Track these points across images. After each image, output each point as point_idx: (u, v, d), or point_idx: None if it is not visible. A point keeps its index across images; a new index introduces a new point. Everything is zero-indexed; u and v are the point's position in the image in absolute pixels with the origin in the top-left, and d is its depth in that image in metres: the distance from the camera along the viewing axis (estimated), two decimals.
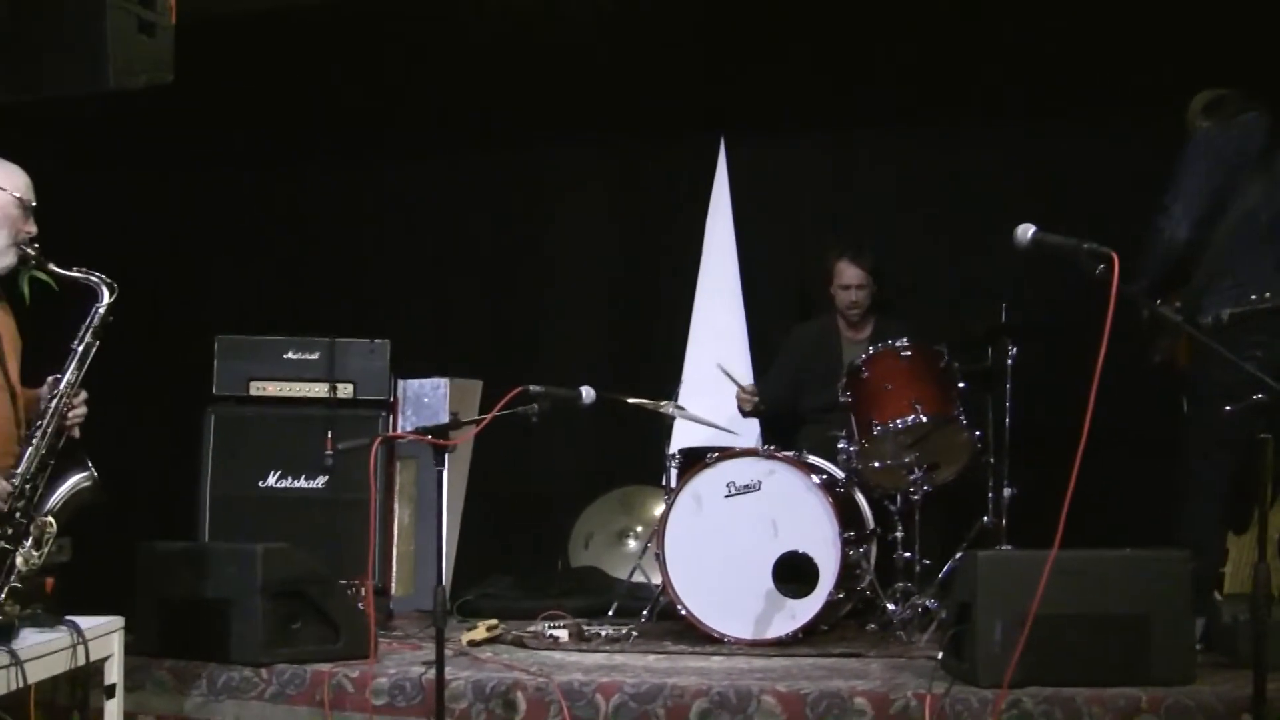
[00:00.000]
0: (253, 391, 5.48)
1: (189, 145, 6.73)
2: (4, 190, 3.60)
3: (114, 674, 3.67)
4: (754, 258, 6.55)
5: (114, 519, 3.84)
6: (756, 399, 5.93)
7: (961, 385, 5.25)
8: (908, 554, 5.17)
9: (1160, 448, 4.94)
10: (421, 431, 4.03)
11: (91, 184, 6.26)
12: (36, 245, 3.65)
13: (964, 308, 6.02)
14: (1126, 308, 3.41)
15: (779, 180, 6.61)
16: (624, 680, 4.11)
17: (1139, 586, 3.92)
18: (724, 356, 6.21)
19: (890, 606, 4.99)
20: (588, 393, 4.26)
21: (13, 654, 3.21)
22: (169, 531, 5.15)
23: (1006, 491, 5.41)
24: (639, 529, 6.42)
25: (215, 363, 5.48)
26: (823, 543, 4.85)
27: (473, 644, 4.83)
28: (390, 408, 5.58)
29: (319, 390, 5.48)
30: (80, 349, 3.63)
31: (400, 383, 5.73)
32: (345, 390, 5.48)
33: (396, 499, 5.67)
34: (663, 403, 5.52)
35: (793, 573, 4.87)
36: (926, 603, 5.06)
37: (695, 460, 5.15)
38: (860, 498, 5.27)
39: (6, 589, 3.40)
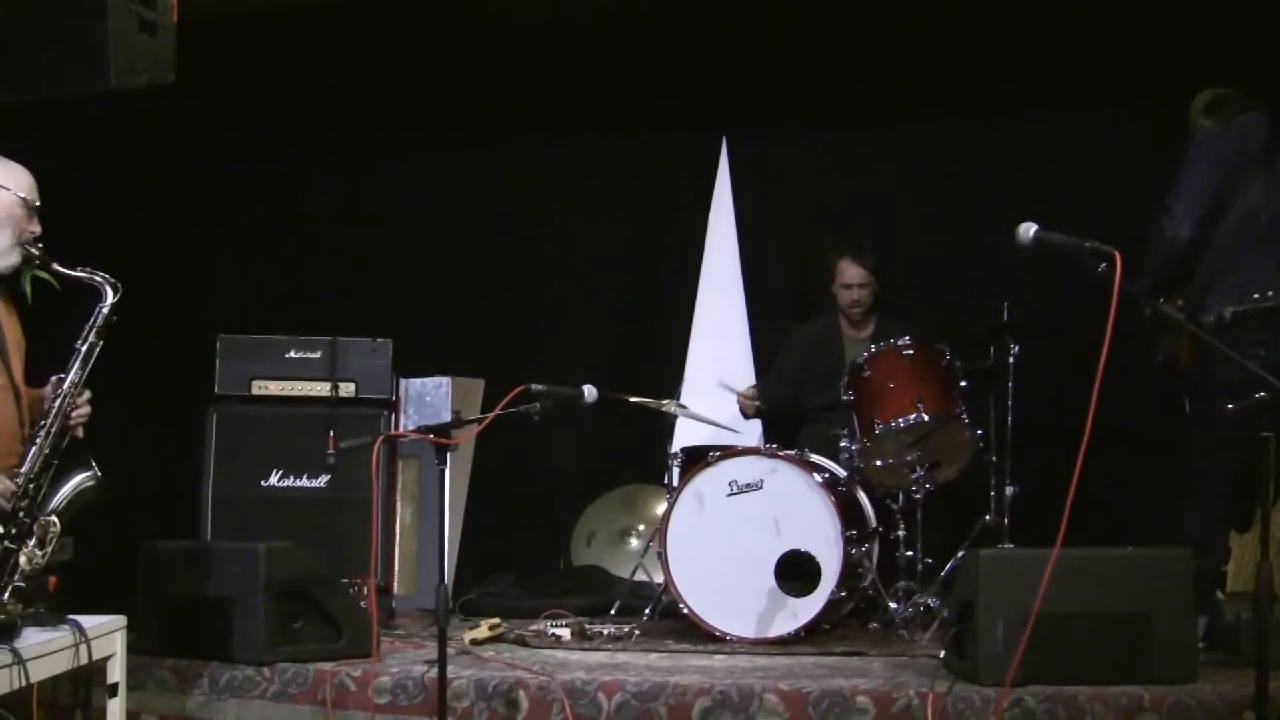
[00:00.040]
0: (255, 390, 5.49)
1: (190, 144, 6.72)
2: (8, 190, 3.60)
3: (116, 673, 3.66)
4: (755, 257, 6.55)
5: (116, 518, 3.84)
6: (757, 403, 5.94)
7: (963, 384, 5.25)
8: (910, 552, 5.17)
9: (1162, 446, 4.94)
10: (423, 430, 4.04)
11: (92, 184, 6.26)
12: (41, 245, 3.66)
13: (965, 308, 6.01)
14: (1128, 306, 3.41)
15: (779, 180, 6.61)
16: (626, 679, 4.11)
17: (1141, 585, 3.92)
18: (726, 355, 6.23)
19: (892, 605, 5.00)
20: (590, 391, 4.26)
21: (15, 653, 3.20)
22: (171, 530, 5.16)
23: (1008, 490, 5.42)
24: (641, 528, 6.42)
25: (217, 362, 5.48)
26: (825, 541, 4.85)
27: (475, 643, 4.83)
28: (392, 406, 5.59)
29: (321, 389, 5.48)
30: (84, 348, 3.63)
31: (402, 381, 5.74)
32: (347, 389, 5.49)
33: (399, 498, 5.68)
34: (665, 401, 5.52)
35: (795, 571, 4.88)
36: (928, 601, 5.07)
37: (697, 459, 5.15)
38: (862, 496, 5.27)
39: (10, 588, 3.40)
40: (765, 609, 4.87)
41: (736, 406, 5.96)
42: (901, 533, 5.20)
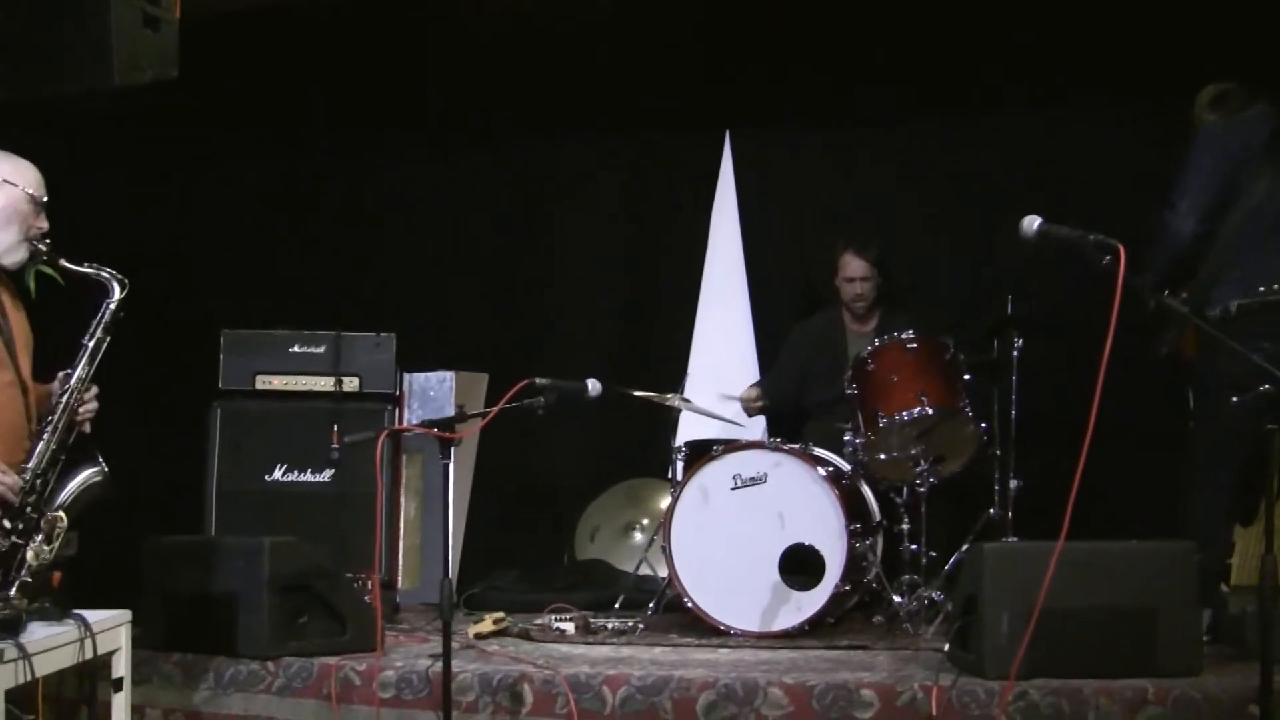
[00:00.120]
0: (259, 385, 5.48)
1: (190, 144, 6.72)
2: (15, 186, 3.60)
3: (121, 668, 3.66)
4: (759, 254, 6.55)
5: (121, 513, 3.84)
6: (759, 403, 5.94)
7: (967, 377, 5.25)
8: (914, 546, 5.16)
9: (1166, 440, 4.95)
10: (428, 425, 4.04)
11: (94, 182, 6.26)
12: (48, 241, 3.66)
13: (965, 307, 6.01)
14: (1133, 300, 3.41)
15: (780, 179, 6.61)
16: (631, 673, 4.12)
17: (1146, 578, 3.92)
18: (729, 351, 6.23)
19: (897, 599, 5.00)
20: (594, 385, 4.27)
21: (21, 648, 3.20)
22: (175, 526, 5.15)
23: (1013, 483, 5.43)
24: (645, 522, 6.42)
25: (221, 357, 5.49)
26: (829, 535, 4.85)
27: (479, 637, 4.84)
28: (396, 401, 5.59)
29: (325, 384, 5.48)
30: (91, 344, 3.64)
31: (406, 376, 5.74)
32: (351, 384, 5.49)
33: (403, 492, 5.67)
34: (669, 395, 5.53)
35: (799, 565, 4.88)
36: (933, 595, 5.07)
37: (701, 453, 5.15)
38: (866, 490, 5.28)
39: (17, 583, 3.41)
40: (769, 603, 4.88)
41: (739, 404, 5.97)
42: (906, 526, 5.19)
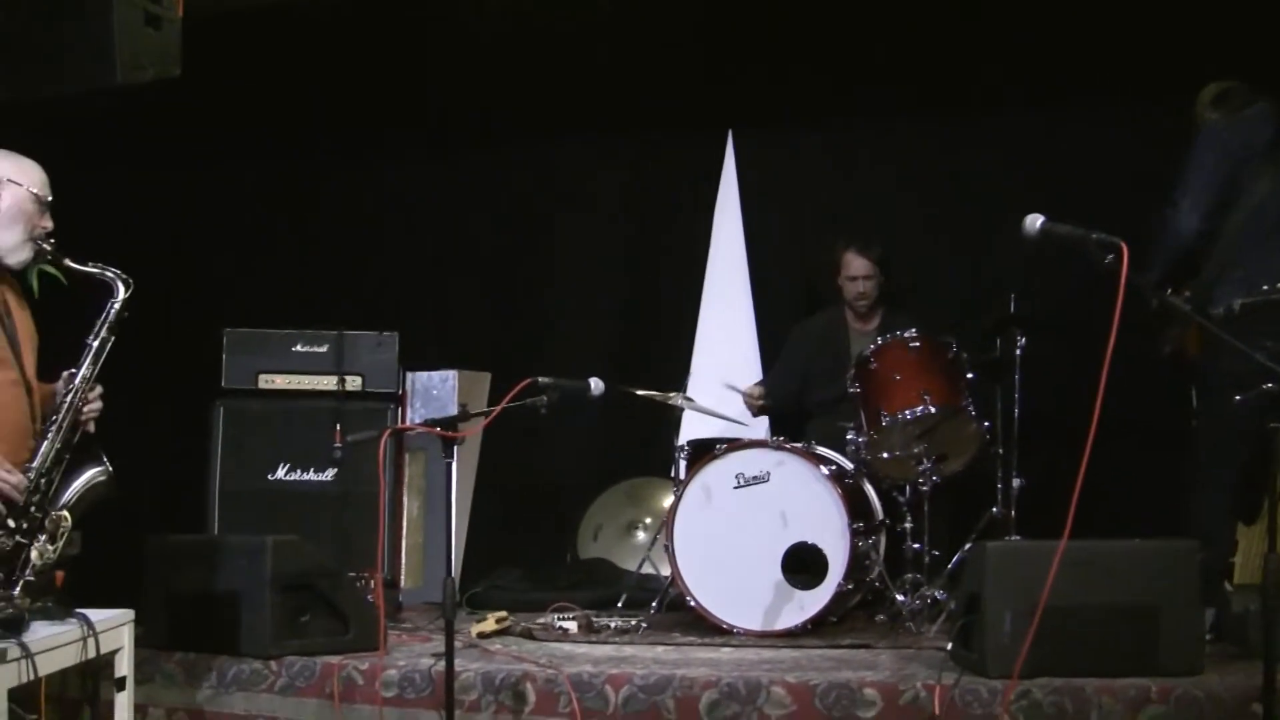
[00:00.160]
0: (261, 384, 5.49)
1: (191, 143, 6.72)
2: (20, 185, 3.60)
3: (124, 667, 3.66)
4: (761, 253, 6.55)
5: (124, 512, 3.84)
6: (762, 401, 5.94)
7: (970, 376, 5.26)
8: (917, 545, 5.16)
9: (1169, 438, 4.96)
10: (430, 424, 4.03)
11: (96, 182, 6.26)
12: (52, 240, 3.66)
13: (966, 307, 6.01)
14: (1135, 298, 3.41)
15: (781, 179, 6.61)
16: (633, 672, 4.12)
17: (1148, 577, 3.91)
18: (732, 350, 6.22)
19: (899, 597, 5.00)
20: (597, 384, 4.27)
21: (24, 647, 3.20)
22: (178, 525, 5.16)
23: (1015, 482, 5.43)
24: (648, 521, 6.42)
25: (224, 356, 5.50)
26: (832, 534, 4.85)
27: (482, 636, 4.84)
28: (399, 400, 5.60)
29: (327, 383, 5.49)
30: (95, 344, 3.64)
31: (409, 375, 5.75)
32: (354, 383, 5.50)
33: (405, 491, 5.68)
34: (671, 394, 5.53)
35: (802, 564, 4.88)
36: (936, 594, 5.07)
37: (704, 452, 5.15)
38: (869, 489, 5.28)
39: (20, 582, 3.41)
40: (772, 601, 4.88)
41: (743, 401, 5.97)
42: (908, 525, 5.18)
